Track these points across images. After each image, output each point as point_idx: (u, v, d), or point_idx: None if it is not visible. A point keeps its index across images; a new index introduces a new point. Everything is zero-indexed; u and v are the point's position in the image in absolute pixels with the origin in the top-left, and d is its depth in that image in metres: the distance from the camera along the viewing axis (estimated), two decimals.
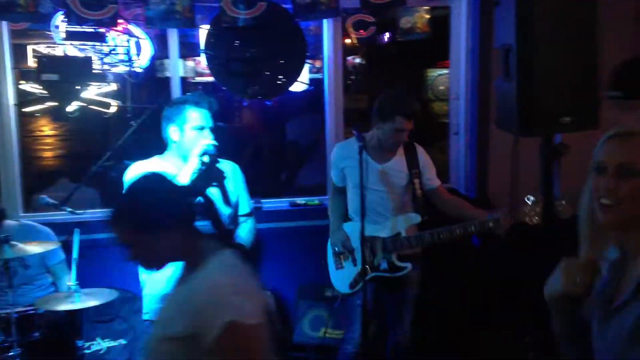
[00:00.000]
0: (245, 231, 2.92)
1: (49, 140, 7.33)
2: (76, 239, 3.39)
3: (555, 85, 2.82)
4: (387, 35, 4.64)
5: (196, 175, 2.59)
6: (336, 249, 3.32)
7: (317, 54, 4.37)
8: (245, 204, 2.93)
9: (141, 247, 1.64)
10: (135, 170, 2.71)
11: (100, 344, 3.70)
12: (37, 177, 5.59)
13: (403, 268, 3.28)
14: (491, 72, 4.04)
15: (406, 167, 3.29)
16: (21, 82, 4.09)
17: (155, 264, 1.71)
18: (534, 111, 2.84)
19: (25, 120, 5.27)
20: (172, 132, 2.70)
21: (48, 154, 7.18)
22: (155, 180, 1.70)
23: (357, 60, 5.88)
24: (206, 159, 2.61)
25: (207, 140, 2.64)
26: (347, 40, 4.52)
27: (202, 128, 2.65)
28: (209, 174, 2.65)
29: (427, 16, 4.27)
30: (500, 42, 2.99)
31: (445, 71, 5.28)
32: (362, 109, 6.45)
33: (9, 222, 3.40)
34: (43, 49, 4.09)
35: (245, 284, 1.59)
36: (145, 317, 2.80)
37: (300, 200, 4.19)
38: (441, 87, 5.72)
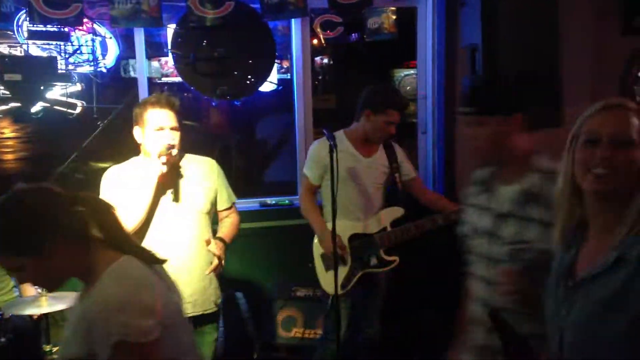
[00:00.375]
0: (225, 226, 2.90)
1: (9, 143, 7.14)
2: None
3: (519, 84, 2.90)
4: (354, 36, 4.67)
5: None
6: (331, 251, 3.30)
7: (285, 54, 4.37)
8: (224, 199, 2.89)
9: (30, 270, 1.51)
10: (111, 175, 2.71)
11: None
12: None
13: (392, 261, 3.34)
14: (457, 71, 4.11)
15: (387, 161, 3.34)
16: None
17: (51, 285, 1.60)
18: None
19: None
20: (136, 133, 2.70)
21: (9, 156, 6.99)
22: (28, 198, 1.52)
23: (325, 60, 5.90)
24: (164, 160, 2.57)
25: (166, 140, 2.61)
26: (315, 41, 4.53)
27: (161, 128, 2.62)
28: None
29: (394, 17, 4.31)
30: (466, 42, 3.06)
31: (412, 71, 5.33)
32: (329, 109, 6.49)
33: None
34: (4, 49, 3.98)
35: (139, 296, 1.46)
36: None
37: (270, 200, 4.19)
38: (408, 87, 5.78)
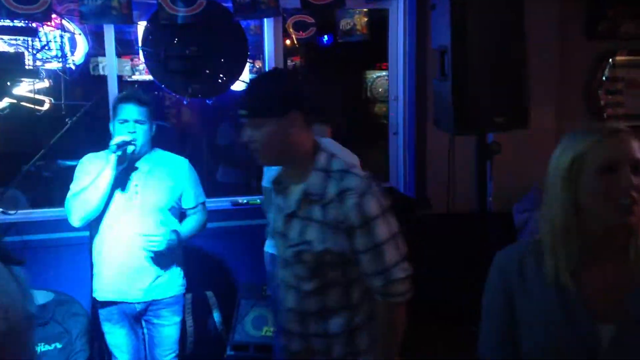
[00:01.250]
0: (186, 223, 2.93)
1: None
2: None
3: (488, 85, 2.96)
4: (326, 37, 4.70)
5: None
6: None
7: (258, 54, 4.37)
8: (190, 198, 2.91)
9: None
10: (83, 161, 2.79)
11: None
12: None
13: None
14: (428, 73, 4.16)
15: None
16: None
17: None
18: (468, 111, 2.97)
19: None
20: (110, 126, 2.77)
21: None
22: None
23: (297, 61, 5.91)
24: (115, 150, 2.61)
25: (126, 132, 2.65)
26: (288, 41, 4.54)
27: (125, 121, 2.67)
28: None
29: (366, 18, 4.35)
30: (436, 43, 3.10)
31: (384, 73, 5.38)
32: None
33: None
34: None
35: None
36: (95, 295, 2.82)
37: (241, 200, 4.18)
38: (380, 89, 5.83)
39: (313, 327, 1.85)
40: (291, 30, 4.20)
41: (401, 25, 4.31)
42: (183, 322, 3.07)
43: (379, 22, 4.47)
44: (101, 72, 3.95)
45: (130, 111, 2.67)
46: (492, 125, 3.05)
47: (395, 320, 1.84)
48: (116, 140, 2.61)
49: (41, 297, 3.08)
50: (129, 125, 2.66)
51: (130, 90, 2.80)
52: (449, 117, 3.02)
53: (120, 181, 2.69)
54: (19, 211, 3.66)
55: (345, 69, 5.83)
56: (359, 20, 4.40)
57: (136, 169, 2.75)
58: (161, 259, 2.77)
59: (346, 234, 1.75)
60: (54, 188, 4.04)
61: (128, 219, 2.71)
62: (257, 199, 4.21)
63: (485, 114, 2.99)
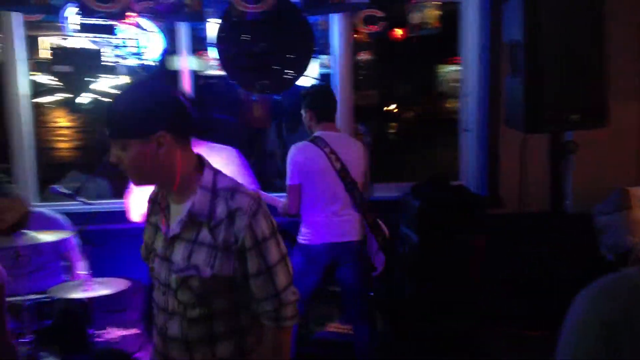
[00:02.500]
0: None
1: (64, 132, 7.40)
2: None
3: (562, 82, 2.82)
4: (397, 31, 4.62)
5: None
6: None
7: (327, 49, 4.37)
8: None
9: None
10: None
11: (114, 333, 3.76)
12: (51, 168, 5.65)
13: None
14: (502, 69, 4.02)
15: None
16: (35, 73, 4.14)
17: None
18: (540, 108, 2.84)
19: (41, 112, 5.33)
20: None
21: (63, 145, 7.25)
22: None
23: (367, 56, 5.86)
24: None
25: None
26: (357, 36, 4.51)
27: None
28: None
29: (438, 12, 4.25)
30: (507, 37, 2.99)
31: (458, 67, 5.25)
32: (371, 106, 6.45)
33: None
34: (57, 40, 4.12)
35: None
36: None
37: None
38: (453, 84, 5.70)
39: (199, 354, 1.72)
40: (361, 24, 4.16)
41: (473, 19, 4.20)
42: None
43: (452, 14, 4.36)
44: (176, 68, 4.08)
45: None
46: (566, 123, 2.90)
47: (283, 344, 1.75)
48: None
49: (119, 284, 3.18)
50: None
51: None
52: (520, 114, 2.91)
53: None
54: (101, 201, 3.82)
55: (417, 63, 5.74)
56: (430, 13, 4.30)
57: None
58: None
59: (236, 256, 1.65)
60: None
61: None
62: None
63: (559, 112, 2.85)
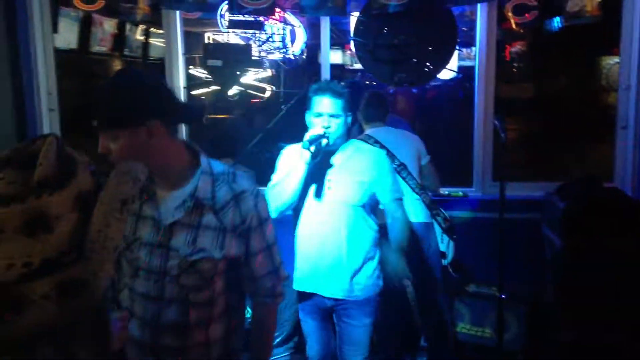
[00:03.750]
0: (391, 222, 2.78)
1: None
2: None
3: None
4: (553, 20, 4.33)
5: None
6: None
7: (470, 41, 4.22)
8: (385, 194, 2.69)
9: None
10: (284, 153, 2.76)
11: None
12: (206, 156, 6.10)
13: None
14: None
15: None
16: (190, 67, 4.48)
17: None
18: None
19: None
20: (306, 118, 2.71)
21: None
22: None
23: (519, 47, 5.57)
24: (312, 148, 2.47)
25: (318, 128, 2.52)
26: (507, 26, 4.30)
27: (319, 115, 2.56)
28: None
29: None
30: None
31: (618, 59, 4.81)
32: (525, 99, 6.12)
33: None
34: (211, 36, 4.43)
35: None
36: (293, 285, 2.77)
37: (443, 191, 4.09)
38: (614, 77, 5.22)
39: (194, 339, 1.72)
40: (510, 14, 3.95)
41: (638, 5, 3.80)
42: (374, 324, 2.82)
43: (613, 2, 3.98)
44: (317, 61, 4.19)
45: (324, 104, 2.55)
46: None
47: (273, 321, 1.89)
48: (309, 135, 2.50)
49: None
50: (322, 119, 2.55)
51: (325, 82, 2.68)
52: None
53: (315, 175, 2.58)
54: None
55: (575, 54, 5.33)
56: (589, 0, 3.96)
57: (330, 164, 2.62)
58: (356, 257, 2.64)
59: (242, 237, 1.70)
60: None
61: (320, 214, 2.62)
62: (459, 191, 4.11)
63: None
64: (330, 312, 2.77)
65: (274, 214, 2.61)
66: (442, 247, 3.64)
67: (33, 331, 1.20)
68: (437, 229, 3.58)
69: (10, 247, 1.18)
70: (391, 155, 3.30)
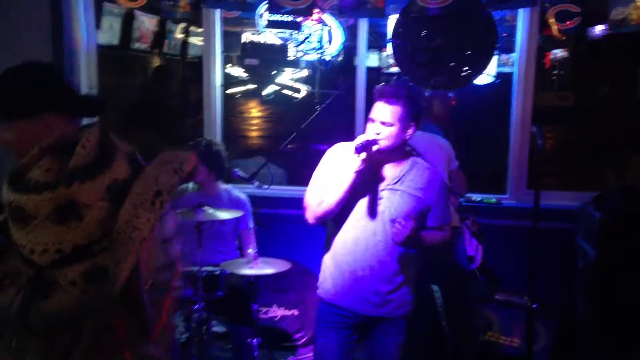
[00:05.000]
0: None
1: (255, 121, 8.05)
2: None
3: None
4: (596, 28, 4.24)
5: None
6: None
7: (510, 47, 4.15)
8: (435, 217, 2.55)
9: None
10: (331, 150, 2.60)
11: (276, 311, 3.99)
12: (240, 154, 6.15)
13: None
14: None
15: None
16: (227, 65, 4.52)
17: None
18: None
19: (234, 103, 5.82)
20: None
21: (253, 133, 7.88)
22: None
23: (562, 54, 5.46)
24: (363, 155, 2.35)
25: (371, 132, 2.40)
26: (549, 33, 4.22)
27: (371, 120, 2.44)
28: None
29: None
30: None
31: None
32: (566, 107, 6.01)
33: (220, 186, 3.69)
34: (248, 35, 4.45)
35: None
36: (319, 292, 2.67)
37: (476, 197, 4.05)
38: None
39: None
40: (552, 20, 3.88)
41: None
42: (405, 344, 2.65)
43: None
44: (354, 63, 4.19)
45: (377, 110, 2.42)
46: None
47: None
48: (358, 140, 2.37)
49: (283, 265, 3.32)
50: (375, 125, 2.41)
51: (387, 85, 2.54)
52: None
53: (364, 186, 2.45)
54: (275, 186, 4.02)
55: (617, 63, 5.21)
56: (635, 9, 3.87)
57: (382, 176, 2.48)
58: (400, 274, 2.54)
59: None
60: (307, 168, 4.44)
61: (368, 226, 2.48)
62: (492, 198, 4.06)
63: None
64: (358, 328, 2.61)
65: (313, 222, 2.54)
66: (471, 251, 3.60)
67: (56, 317, 1.23)
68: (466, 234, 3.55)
69: (44, 233, 1.23)
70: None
